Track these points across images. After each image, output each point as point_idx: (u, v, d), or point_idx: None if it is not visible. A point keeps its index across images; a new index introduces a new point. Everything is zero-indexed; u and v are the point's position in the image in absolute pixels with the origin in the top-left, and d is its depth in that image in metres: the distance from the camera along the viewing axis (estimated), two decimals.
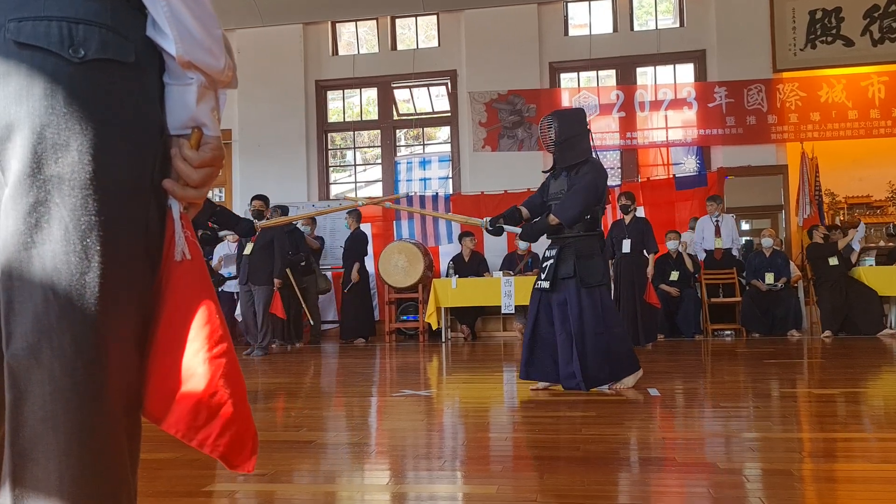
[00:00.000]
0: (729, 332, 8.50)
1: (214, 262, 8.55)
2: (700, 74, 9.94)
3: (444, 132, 11.14)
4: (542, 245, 4.76)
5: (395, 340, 9.10)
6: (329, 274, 9.49)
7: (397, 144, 10.93)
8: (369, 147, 11.47)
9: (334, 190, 10.90)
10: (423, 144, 11.24)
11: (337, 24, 10.85)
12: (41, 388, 0.85)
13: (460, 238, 9.27)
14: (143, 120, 0.94)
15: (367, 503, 2.24)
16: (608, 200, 4.94)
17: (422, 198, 9.91)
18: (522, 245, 8.74)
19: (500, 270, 8.84)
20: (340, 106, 11.23)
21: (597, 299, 4.29)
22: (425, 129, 11.26)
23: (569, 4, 10.30)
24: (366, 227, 9.21)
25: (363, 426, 3.59)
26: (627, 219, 7.44)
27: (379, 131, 10.95)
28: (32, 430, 0.85)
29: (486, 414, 3.86)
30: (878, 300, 8.04)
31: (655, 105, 9.85)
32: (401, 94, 11.13)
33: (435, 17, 10.59)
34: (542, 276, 4.44)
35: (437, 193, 10.00)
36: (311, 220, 9.44)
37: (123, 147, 0.91)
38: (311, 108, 10.69)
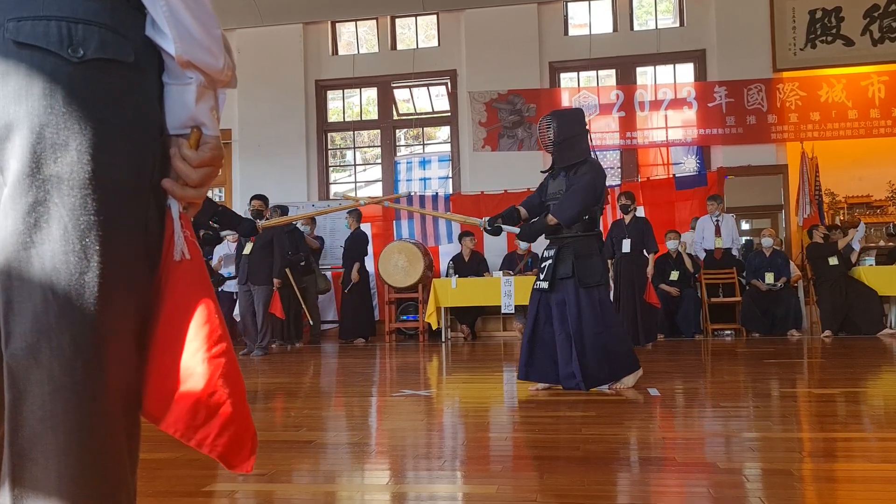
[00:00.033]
0: (729, 332, 8.50)
1: (214, 262, 8.55)
2: (700, 74, 9.93)
3: (443, 132, 11.14)
4: (542, 245, 4.76)
5: (395, 340, 9.10)
6: (329, 274, 9.50)
7: (397, 144, 10.93)
8: (369, 147, 11.47)
9: (334, 190, 10.89)
10: (423, 144, 11.24)
11: (337, 24, 10.84)
12: (40, 387, 0.85)
13: (460, 238, 9.27)
14: (143, 119, 0.94)
15: (366, 503, 2.24)
16: (606, 201, 4.94)
17: (422, 197, 9.90)
18: (523, 245, 8.74)
19: (500, 270, 8.84)
20: (340, 106, 11.23)
21: (595, 299, 4.29)
22: (425, 128, 11.27)
23: (569, 4, 10.30)
24: (365, 227, 9.21)
25: (363, 426, 3.59)
26: (627, 218, 7.44)
27: (379, 131, 10.95)
28: (32, 429, 0.85)
29: (485, 414, 3.86)
30: (877, 300, 8.04)
31: (655, 105, 9.85)
32: (401, 94, 11.13)
33: (435, 16, 10.59)
34: (541, 277, 4.44)
35: (436, 193, 10.00)
36: (311, 220, 9.44)
37: (123, 147, 0.91)
38: (311, 107, 10.69)
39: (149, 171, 0.94)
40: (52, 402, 0.85)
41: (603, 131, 9.92)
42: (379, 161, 11.11)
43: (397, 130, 10.97)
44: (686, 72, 10.12)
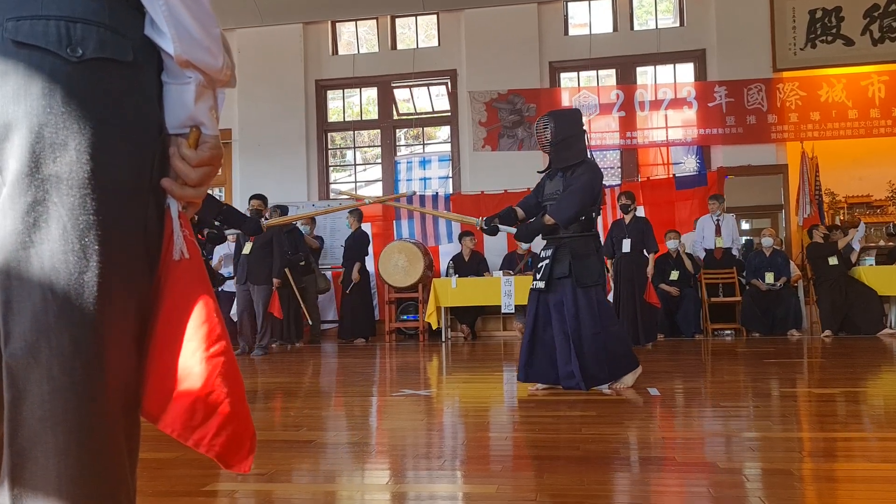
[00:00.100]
0: (729, 332, 8.50)
1: (215, 262, 8.55)
2: (700, 74, 9.93)
3: (444, 132, 11.14)
4: (541, 245, 4.77)
5: (394, 340, 9.10)
6: (329, 273, 9.50)
7: (397, 144, 10.93)
8: (369, 147, 11.48)
9: (334, 188, 10.88)
10: (423, 144, 11.24)
11: (337, 24, 10.84)
12: (40, 387, 0.85)
13: (460, 238, 9.28)
14: (142, 119, 0.94)
15: (366, 503, 2.24)
16: (603, 201, 4.94)
17: (422, 197, 9.91)
18: (523, 245, 8.74)
19: (500, 270, 8.85)
20: (340, 105, 11.23)
21: (593, 299, 4.30)
22: (425, 128, 11.27)
23: (569, 4, 10.30)
24: (366, 227, 9.21)
25: (363, 426, 3.59)
26: (627, 218, 7.44)
27: (379, 131, 10.95)
28: (31, 429, 0.85)
29: (485, 413, 3.86)
30: (877, 300, 8.04)
31: (655, 104, 9.85)
32: (401, 94, 11.13)
33: (435, 16, 10.59)
34: (538, 277, 4.44)
35: (437, 193, 10.00)
36: (311, 220, 9.44)
37: (122, 146, 0.91)
38: (311, 107, 10.69)
39: (148, 171, 0.94)
40: (51, 402, 0.85)
41: (603, 131, 9.92)
42: (379, 161, 11.11)
43: (397, 130, 10.97)
44: (686, 72, 10.11)
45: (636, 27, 10.19)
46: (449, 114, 10.64)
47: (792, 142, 9.49)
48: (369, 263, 9.11)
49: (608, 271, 7.24)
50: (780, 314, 8.24)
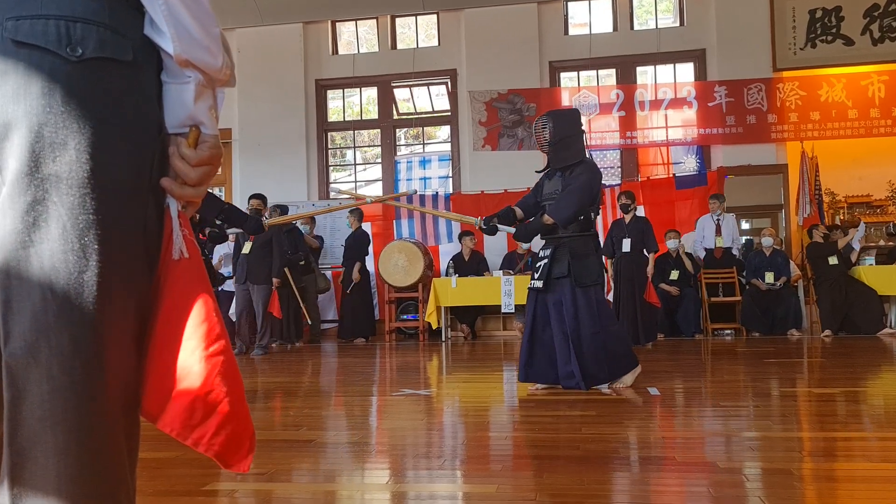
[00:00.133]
0: (729, 332, 8.50)
1: (215, 261, 8.55)
2: (700, 74, 9.93)
3: (444, 131, 11.14)
4: (540, 244, 4.77)
5: (394, 340, 9.10)
6: (328, 273, 9.50)
7: (397, 144, 10.93)
8: (369, 146, 11.47)
9: (334, 187, 10.88)
10: (423, 144, 11.24)
11: (337, 24, 10.84)
12: (39, 387, 0.85)
13: (460, 237, 9.28)
14: (142, 119, 0.94)
15: (366, 502, 2.24)
16: (602, 201, 4.95)
17: (422, 197, 9.91)
18: (524, 245, 8.75)
19: (500, 270, 8.85)
20: (340, 105, 11.23)
21: (592, 298, 4.30)
22: (425, 128, 11.26)
23: (569, 3, 10.30)
24: (365, 226, 9.21)
25: (363, 425, 3.59)
26: (627, 218, 7.44)
27: (379, 130, 10.95)
28: (31, 428, 0.85)
29: (485, 413, 3.86)
30: (877, 299, 8.04)
31: (655, 104, 9.85)
32: (401, 94, 11.13)
33: (435, 16, 10.59)
34: (536, 276, 4.44)
35: (437, 193, 10.01)
36: (311, 220, 9.44)
37: (121, 146, 0.91)
38: (311, 107, 10.69)
39: (148, 170, 0.94)
40: (51, 402, 0.85)
41: (603, 131, 9.92)
42: (379, 160, 11.11)
43: (397, 130, 10.97)
44: (686, 71, 10.11)
45: (636, 27, 10.19)
46: (449, 113, 10.64)
47: (792, 141, 9.49)
48: (369, 263, 9.11)
49: (607, 271, 7.24)
50: (780, 314, 8.24)
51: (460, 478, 2.45)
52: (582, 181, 4.32)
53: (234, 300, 7.70)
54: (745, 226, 10.37)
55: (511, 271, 8.71)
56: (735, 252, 8.66)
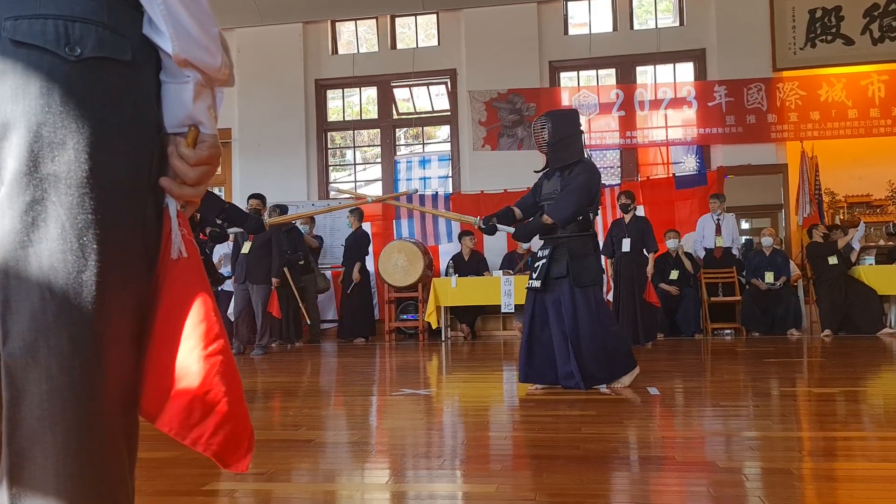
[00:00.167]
0: (729, 331, 8.50)
1: (215, 261, 8.54)
2: (700, 73, 9.93)
3: (443, 131, 11.14)
4: (539, 244, 4.77)
5: (394, 339, 9.10)
6: (328, 273, 9.49)
7: (397, 143, 10.93)
8: (369, 146, 11.47)
9: (334, 187, 10.87)
10: (423, 143, 11.24)
11: (336, 23, 10.84)
12: (38, 386, 0.85)
13: (460, 237, 9.28)
14: (140, 118, 0.94)
15: (366, 502, 2.24)
16: (601, 201, 4.95)
17: (422, 197, 9.91)
18: (523, 244, 8.75)
19: (499, 269, 8.85)
20: (340, 105, 11.23)
21: (591, 299, 4.30)
22: (425, 128, 11.26)
23: (568, 3, 10.30)
24: (365, 226, 9.21)
25: (363, 425, 3.59)
26: (627, 218, 7.44)
27: (379, 130, 10.95)
28: (30, 428, 0.85)
29: (485, 413, 3.86)
30: (877, 299, 8.04)
31: (655, 104, 9.85)
32: (400, 93, 11.13)
33: (435, 16, 10.59)
34: (534, 276, 4.44)
35: (436, 192, 10.01)
36: (311, 219, 9.44)
37: (120, 145, 0.91)
38: (310, 107, 10.69)
39: (147, 170, 0.94)
40: (50, 402, 0.85)
41: (603, 130, 9.92)
42: (379, 160, 11.11)
43: (397, 130, 10.97)
44: (686, 71, 10.11)
45: (636, 27, 10.18)
46: (449, 113, 10.64)
47: (792, 141, 9.49)
48: (369, 263, 9.11)
49: (604, 272, 7.24)
50: (780, 314, 8.24)
51: (460, 478, 2.45)
52: (581, 181, 4.32)
53: (232, 300, 7.69)
54: (744, 225, 10.37)
55: (511, 271, 8.71)
56: (735, 252, 8.66)
